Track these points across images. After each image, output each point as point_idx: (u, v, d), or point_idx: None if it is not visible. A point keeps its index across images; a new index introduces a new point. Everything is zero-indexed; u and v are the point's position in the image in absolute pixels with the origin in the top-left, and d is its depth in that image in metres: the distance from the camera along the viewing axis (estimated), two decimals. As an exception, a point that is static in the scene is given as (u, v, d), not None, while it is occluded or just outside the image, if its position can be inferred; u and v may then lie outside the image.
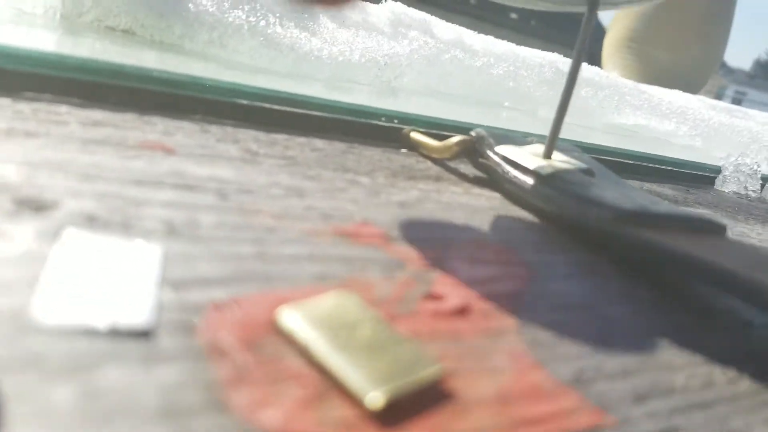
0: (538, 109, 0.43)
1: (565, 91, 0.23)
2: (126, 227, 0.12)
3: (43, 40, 0.27)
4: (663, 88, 0.71)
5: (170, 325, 0.09)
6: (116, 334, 0.09)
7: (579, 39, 0.23)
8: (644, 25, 1.03)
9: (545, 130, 0.24)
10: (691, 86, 0.91)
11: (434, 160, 0.26)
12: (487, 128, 0.26)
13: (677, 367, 0.13)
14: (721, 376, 0.13)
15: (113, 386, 0.08)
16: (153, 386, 0.08)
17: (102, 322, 0.09)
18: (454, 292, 0.13)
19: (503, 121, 0.41)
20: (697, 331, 0.15)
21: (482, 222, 0.19)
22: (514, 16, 4.64)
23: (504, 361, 0.11)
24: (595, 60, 1.12)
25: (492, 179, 0.24)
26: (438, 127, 0.29)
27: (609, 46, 1.09)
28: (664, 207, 0.21)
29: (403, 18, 0.44)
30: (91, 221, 0.12)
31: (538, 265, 0.17)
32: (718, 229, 0.20)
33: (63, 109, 0.19)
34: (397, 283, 0.13)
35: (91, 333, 0.09)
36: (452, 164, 0.26)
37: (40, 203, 0.12)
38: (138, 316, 0.09)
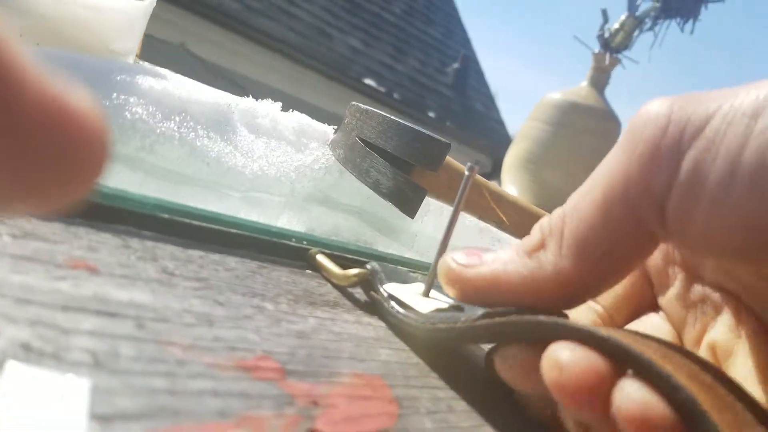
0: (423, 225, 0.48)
1: (444, 238, 0.27)
2: (57, 359, 0.14)
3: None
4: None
5: (95, 461, 0.12)
6: (52, 469, 0.11)
7: (459, 193, 0.27)
8: (541, 149, 1.14)
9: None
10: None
11: (334, 283, 0.29)
12: (381, 259, 0.30)
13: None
14: None
15: None
16: None
17: (41, 458, 0.11)
18: (332, 429, 0.16)
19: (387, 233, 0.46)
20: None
21: (366, 353, 0.23)
22: (432, 114, 4.90)
23: (363, 496, 0.14)
24: (500, 166, 1.22)
25: (378, 311, 0.27)
26: (342, 251, 0.33)
27: (508, 163, 1.19)
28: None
29: (306, 129, 0.48)
30: (27, 351, 0.14)
31: (405, 399, 0.20)
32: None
33: (-3, 221, 0.21)
34: (285, 420, 0.16)
35: (32, 468, 0.11)
36: (350, 289, 0.29)
37: (-18, 332, 0.14)
38: (70, 452, 0.11)
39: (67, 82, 0.08)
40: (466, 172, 0.27)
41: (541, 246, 0.23)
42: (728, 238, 0.19)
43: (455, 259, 0.25)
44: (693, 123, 0.20)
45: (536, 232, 0.24)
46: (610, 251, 0.21)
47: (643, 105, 0.22)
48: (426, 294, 0.27)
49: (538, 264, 0.23)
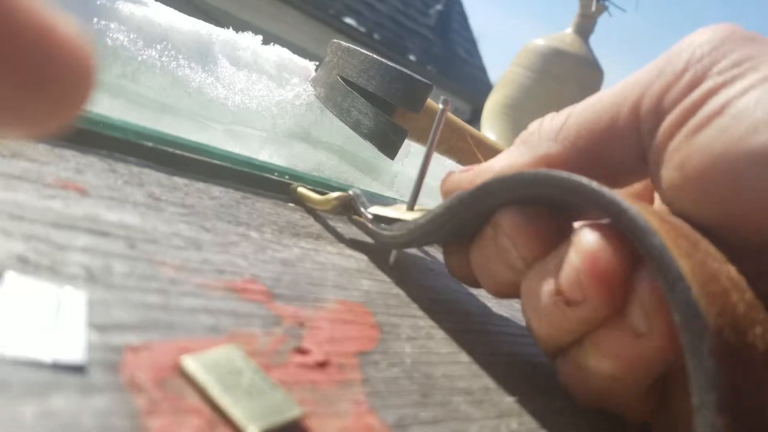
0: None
1: (420, 173, 0.28)
2: (53, 272, 0.15)
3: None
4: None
5: (98, 363, 0.12)
6: (58, 367, 0.11)
7: (434, 126, 0.28)
8: (522, 95, 1.14)
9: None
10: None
11: (317, 217, 0.30)
12: (363, 190, 0.31)
13: (474, 419, 0.17)
14: (506, 429, 0.17)
15: (62, 409, 0.10)
16: (90, 412, 0.11)
17: (48, 357, 0.11)
18: (318, 348, 0.17)
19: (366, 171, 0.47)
20: (498, 393, 0.20)
21: (349, 283, 0.23)
22: (412, 57, 4.81)
23: (347, 407, 0.15)
24: (479, 114, 1.22)
25: (363, 232, 0.28)
26: (323, 186, 0.33)
27: (488, 109, 1.19)
28: None
29: (287, 63, 0.48)
30: (23, 263, 0.14)
31: (386, 326, 0.21)
32: None
33: (-18, 139, 0.21)
34: (274, 337, 0.16)
35: (39, 365, 0.11)
36: (332, 223, 0.30)
37: (-22, 243, 0.14)
38: (75, 353, 0.12)
39: (55, 7, 0.09)
40: (441, 106, 0.28)
41: (537, 133, 0.24)
42: (693, 181, 0.20)
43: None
44: (725, 61, 0.20)
45: (535, 123, 0.25)
46: (602, 153, 0.22)
47: (698, 29, 0.22)
48: (410, 209, 0.28)
49: (530, 147, 0.24)
